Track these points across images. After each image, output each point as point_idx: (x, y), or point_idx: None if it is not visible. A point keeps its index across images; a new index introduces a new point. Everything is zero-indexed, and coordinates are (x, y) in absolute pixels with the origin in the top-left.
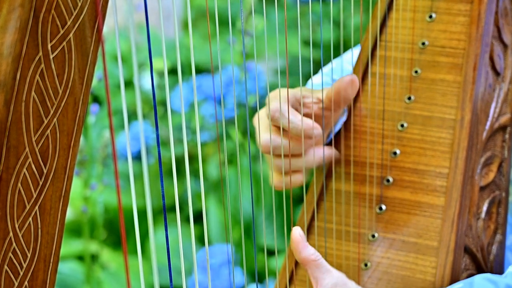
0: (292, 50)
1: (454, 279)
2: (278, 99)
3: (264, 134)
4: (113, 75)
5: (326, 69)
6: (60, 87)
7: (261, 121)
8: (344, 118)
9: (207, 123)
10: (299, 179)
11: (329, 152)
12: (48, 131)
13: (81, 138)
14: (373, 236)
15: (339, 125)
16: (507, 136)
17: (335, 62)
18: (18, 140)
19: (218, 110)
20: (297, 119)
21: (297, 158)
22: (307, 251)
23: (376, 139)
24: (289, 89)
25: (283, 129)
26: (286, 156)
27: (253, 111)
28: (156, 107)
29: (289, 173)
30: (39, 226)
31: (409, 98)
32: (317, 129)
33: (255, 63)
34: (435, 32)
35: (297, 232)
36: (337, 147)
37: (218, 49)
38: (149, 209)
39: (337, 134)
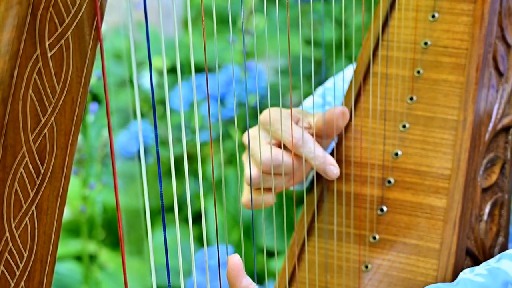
0: (293, 50)
1: None
2: (288, 121)
3: (265, 152)
4: (112, 74)
5: (319, 90)
6: (58, 86)
7: (256, 141)
8: (333, 144)
9: (207, 123)
10: (270, 198)
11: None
12: (46, 130)
13: (80, 137)
14: (374, 238)
15: (329, 150)
16: (510, 137)
17: (329, 83)
18: (15, 139)
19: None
20: (317, 150)
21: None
22: (247, 280)
23: (378, 139)
24: (284, 109)
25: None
26: (279, 174)
27: (253, 111)
28: (155, 106)
29: (269, 190)
30: (36, 226)
31: (411, 99)
32: (333, 165)
33: (255, 63)
34: (438, 32)
35: (237, 260)
36: (338, 147)
37: (215, 48)
38: (147, 209)
39: (338, 135)
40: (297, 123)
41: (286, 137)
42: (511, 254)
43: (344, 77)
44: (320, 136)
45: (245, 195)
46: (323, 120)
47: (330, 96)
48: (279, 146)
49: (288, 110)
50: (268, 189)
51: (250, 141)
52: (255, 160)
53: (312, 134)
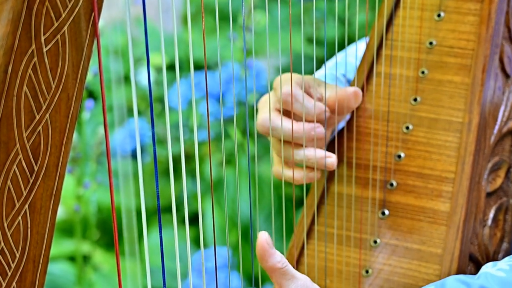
0: (294, 48)
1: None
2: (290, 82)
3: (263, 114)
4: (109, 70)
5: (329, 63)
6: (53, 82)
7: (265, 103)
8: (348, 117)
9: (205, 122)
10: (300, 175)
11: (330, 160)
12: (40, 127)
13: (75, 135)
14: (375, 242)
15: (343, 123)
16: None
17: (339, 56)
18: (8, 136)
19: (217, 108)
20: (310, 104)
21: (299, 148)
22: (274, 259)
23: (380, 141)
24: (299, 75)
25: (291, 114)
26: (288, 142)
27: (253, 109)
28: (152, 104)
29: (291, 164)
30: (29, 225)
31: (415, 100)
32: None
33: (255, 60)
34: (443, 31)
35: (264, 239)
36: (340, 148)
37: (218, 45)
38: (143, 210)
39: (340, 135)
40: (308, 89)
41: (282, 94)
42: None
43: (356, 52)
44: (331, 111)
45: (276, 167)
46: (335, 97)
47: (342, 69)
48: (288, 115)
49: (300, 76)
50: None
51: (259, 104)
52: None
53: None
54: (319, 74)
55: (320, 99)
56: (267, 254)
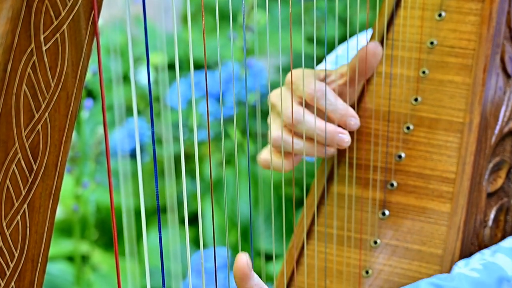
0: (295, 47)
1: None
2: (312, 78)
3: (285, 109)
4: (109, 69)
5: (330, 57)
6: (53, 81)
7: (279, 98)
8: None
9: (204, 121)
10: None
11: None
12: (39, 126)
13: (74, 134)
14: (375, 242)
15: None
16: None
17: (340, 49)
18: (7, 134)
19: (217, 108)
20: (338, 102)
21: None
22: (252, 282)
23: (381, 141)
24: (311, 70)
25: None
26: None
27: (253, 109)
28: (152, 103)
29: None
30: (28, 225)
31: (416, 100)
32: (354, 117)
33: (256, 60)
34: (444, 31)
35: (245, 260)
36: (340, 149)
37: (218, 44)
38: (142, 210)
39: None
40: (323, 79)
41: (306, 91)
42: (506, 248)
43: (358, 44)
44: (353, 82)
45: (264, 154)
46: (356, 60)
47: (344, 63)
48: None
49: (312, 70)
50: (288, 154)
51: (275, 100)
52: (278, 120)
53: (344, 83)
54: (319, 68)
55: (341, 77)
56: (247, 277)
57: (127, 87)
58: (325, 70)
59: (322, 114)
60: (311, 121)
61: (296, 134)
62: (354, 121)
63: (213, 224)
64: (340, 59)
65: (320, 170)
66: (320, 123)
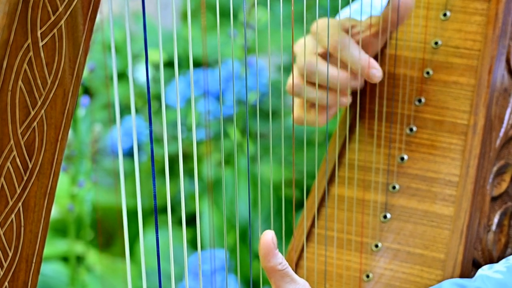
0: None
1: None
2: (336, 29)
3: (307, 58)
4: (107, 66)
5: (344, 12)
6: (49, 77)
7: (302, 47)
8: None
9: (203, 121)
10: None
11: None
12: (35, 123)
13: (70, 132)
14: (377, 246)
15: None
16: None
17: (353, 6)
18: (2, 131)
19: (216, 107)
20: (361, 54)
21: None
22: (276, 260)
23: (383, 143)
24: (335, 20)
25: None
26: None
27: (253, 109)
28: (150, 101)
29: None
30: (22, 224)
31: (419, 101)
32: (377, 69)
33: (256, 58)
34: (449, 31)
35: (270, 237)
36: (341, 150)
37: (218, 42)
38: (139, 210)
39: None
40: (348, 30)
41: (330, 43)
42: None
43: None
44: (384, 32)
45: (296, 111)
46: (388, 10)
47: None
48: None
49: (337, 20)
50: (321, 108)
51: (299, 50)
52: (299, 69)
53: (374, 34)
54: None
55: (370, 27)
56: (270, 254)
57: (124, 85)
58: (350, 19)
59: (345, 66)
60: (333, 71)
61: (319, 85)
62: (377, 72)
63: (211, 225)
64: (355, 14)
65: (321, 172)
66: (342, 73)
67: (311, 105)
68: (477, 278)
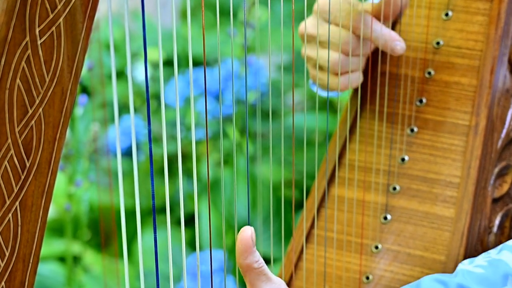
0: (297, 45)
1: None
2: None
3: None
4: (105, 65)
5: None
6: (47, 75)
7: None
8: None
9: (202, 120)
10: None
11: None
12: (33, 122)
13: (67, 131)
14: (377, 247)
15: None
16: None
17: None
18: (0, 130)
19: (215, 106)
20: (383, 27)
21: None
22: (253, 258)
23: (384, 143)
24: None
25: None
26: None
27: (253, 108)
28: (149, 100)
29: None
30: (19, 223)
31: (421, 101)
32: (400, 41)
33: (256, 57)
34: (451, 31)
35: (249, 234)
36: (342, 150)
37: (218, 41)
38: (137, 210)
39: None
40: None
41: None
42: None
43: None
44: (387, 17)
45: (315, 74)
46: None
47: None
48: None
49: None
50: (343, 72)
51: (322, 2)
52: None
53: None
54: None
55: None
56: (248, 251)
57: (123, 84)
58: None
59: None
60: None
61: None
62: (400, 44)
63: (210, 225)
64: None
65: (321, 172)
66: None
67: (332, 71)
68: (457, 273)
